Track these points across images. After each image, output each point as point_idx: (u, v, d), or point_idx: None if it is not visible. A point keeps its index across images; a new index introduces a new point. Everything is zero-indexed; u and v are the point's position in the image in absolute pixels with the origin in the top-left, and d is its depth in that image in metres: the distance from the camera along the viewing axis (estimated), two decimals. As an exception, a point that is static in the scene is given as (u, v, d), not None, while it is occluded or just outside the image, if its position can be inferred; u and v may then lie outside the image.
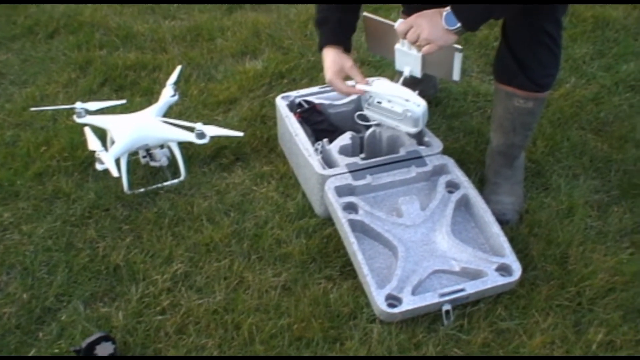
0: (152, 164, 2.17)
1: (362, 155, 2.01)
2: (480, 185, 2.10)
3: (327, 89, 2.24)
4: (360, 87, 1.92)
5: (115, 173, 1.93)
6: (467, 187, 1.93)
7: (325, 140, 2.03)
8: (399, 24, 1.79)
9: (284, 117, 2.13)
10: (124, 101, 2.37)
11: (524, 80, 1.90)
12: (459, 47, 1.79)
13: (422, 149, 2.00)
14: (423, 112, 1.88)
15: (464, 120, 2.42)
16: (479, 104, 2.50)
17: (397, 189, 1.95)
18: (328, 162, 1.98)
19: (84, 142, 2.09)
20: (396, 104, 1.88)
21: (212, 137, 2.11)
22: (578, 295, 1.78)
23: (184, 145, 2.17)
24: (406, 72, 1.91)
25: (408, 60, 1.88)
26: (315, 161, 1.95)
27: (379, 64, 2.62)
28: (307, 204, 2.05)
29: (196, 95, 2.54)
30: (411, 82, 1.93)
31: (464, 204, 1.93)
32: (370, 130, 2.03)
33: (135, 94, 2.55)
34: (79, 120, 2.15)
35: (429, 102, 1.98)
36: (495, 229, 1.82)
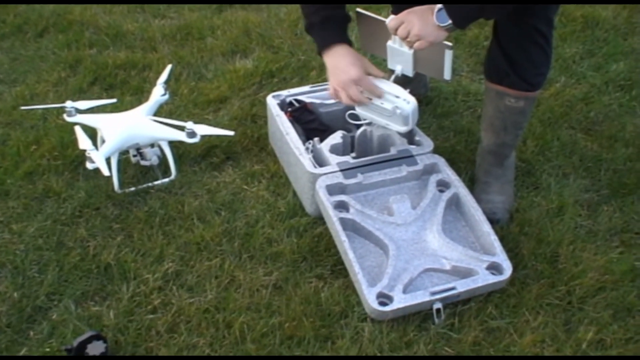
0: (143, 163, 2.16)
1: (353, 154, 2.02)
2: (471, 184, 2.11)
3: (318, 88, 2.24)
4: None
5: (105, 172, 1.92)
6: (458, 186, 1.94)
7: (316, 139, 2.03)
8: (390, 20, 1.79)
9: (274, 116, 2.13)
10: (114, 100, 2.36)
11: (515, 80, 1.90)
12: (449, 44, 1.79)
13: (412, 148, 2.01)
14: (413, 110, 1.88)
15: (454, 119, 2.43)
16: (469, 103, 2.51)
17: (388, 188, 1.96)
18: (319, 161, 1.98)
19: (74, 141, 2.08)
20: (386, 101, 1.88)
21: (202, 136, 2.11)
22: (568, 294, 1.79)
23: (174, 144, 2.16)
24: (398, 71, 1.91)
25: (400, 58, 1.88)
26: (306, 160, 1.95)
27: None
28: (298, 203, 2.05)
29: (186, 94, 2.53)
30: (402, 81, 1.93)
31: (454, 203, 1.93)
32: (361, 129, 2.03)
33: (126, 93, 2.54)
34: (69, 119, 2.14)
35: (420, 101, 1.99)
36: (486, 227, 1.83)
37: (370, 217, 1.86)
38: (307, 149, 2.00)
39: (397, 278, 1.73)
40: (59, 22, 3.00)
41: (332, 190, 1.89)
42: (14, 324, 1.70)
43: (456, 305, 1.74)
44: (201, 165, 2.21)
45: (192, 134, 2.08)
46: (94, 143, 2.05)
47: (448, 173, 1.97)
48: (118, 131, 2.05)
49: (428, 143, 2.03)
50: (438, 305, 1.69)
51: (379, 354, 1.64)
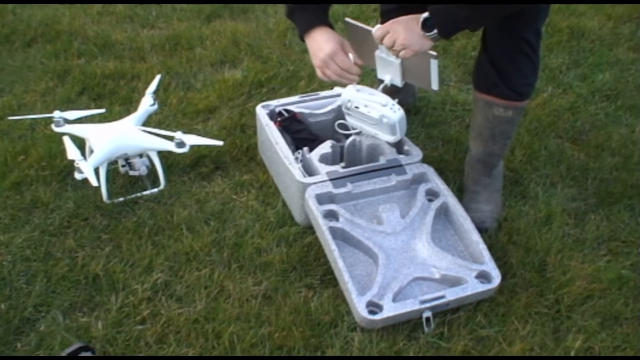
0: (132, 173, 2.16)
1: (342, 164, 2.02)
2: (460, 193, 2.12)
3: (307, 97, 2.24)
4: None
5: (94, 182, 1.91)
6: (447, 195, 1.94)
7: (305, 148, 2.04)
8: (376, 30, 1.80)
9: (264, 125, 2.13)
10: (102, 110, 2.35)
11: (503, 89, 1.92)
12: (434, 53, 1.80)
13: (401, 157, 2.01)
14: (399, 119, 1.88)
15: (442, 129, 2.44)
16: (457, 113, 2.53)
17: (377, 197, 1.96)
18: (308, 171, 1.99)
19: (62, 151, 2.08)
20: (373, 109, 1.89)
21: (191, 146, 2.11)
22: (556, 303, 1.80)
23: (163, 154, 2.16)
24: (387, 80, 1.92)
25: (388, 68, 1.89)
26: (295, 169, 1.95)
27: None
28: (288, 212, 2.06)
29: (175, 104, 2.53)
30: (390, 91, 1.94)
31: (443, 212, 1.94)
32: (350, 139, 2.04)
33: (114, 103, 2.54)
34: (57, 130, 2.13)
35: (408, 111, 2.00)
36: (475, 236, 1.84)
37: (359, 226, 1.86)
38: (296, 158, 2.00)
39: (387, 287, 1.73)
40: (47, 32, 2.99)
41: (321, 199, 1.89)
42: (1, 335, 1.69)
43: (445, 314, 1.75)
44: (190, 175, 2.20)
45: (181, 144, 2.08)
46: (83, 153, 2.04)
47: (437, 182, 1.98)
48: (106, 141, 2.05)
49: (417, 152, 2.04)
50: (428, 313, 1.70)
51: (379, 355, 1.65)
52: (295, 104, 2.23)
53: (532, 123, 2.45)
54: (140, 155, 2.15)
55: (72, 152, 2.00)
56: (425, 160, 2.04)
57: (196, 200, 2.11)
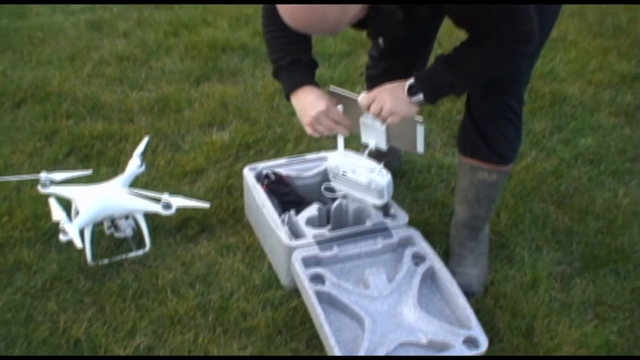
0: (117, 234, 2.15)
1: (329, 227, 2.02)
2: (446, 256, 2.12)
3: (294, 160, 2.26)
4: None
5: (79, 244, 1.90)
6: (433, 259, 1.94)
7: (292, 211, 2.04)
8: (362, 97, 1.82)
9: (251, 188, 2.14)
10: (89, 171, 2.35)
11: (488, 153, 1.94)
12: (420, 119, 1.83)
13: (388, 220, 2.02)
14: (387, 183, 1.90)
15: (428, 192, 2.46)
16: (443, 176, 2.55)
17: (363, 260, 1.96)
18: (295, 233, 1.99)
19: (48, 213, 2.07)
20: (361, 175, 1.91)
21: (178, 209, 2.10)
22: (544, 368, 1.79)
23: (149, 216, 2.16)
24: (372, 145, 1.94)
25: (373, 133, 1.91)
26: (282, 232, 1.95)
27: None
28: (274, 275, 2.04)
29: (163, 165, 2.54)
30: (376, 155, 1.96)
31: (430, 276, 1.94)
32: (337, 202, 2.05)
33: (102, 164, 2.54)
34: (43, 191, 2.13)
35: (394, 174, 2.01)
36: (462, 300, 1.83)
37: (346, 290, 1.85)
38: (283, 221, 2.00)
39: (373, 352, 1.71)
40: (36, 93, 3.01)
41: (308, 262, 1.89)
42: (-22, 401, 1.65)
43: (433, 380, 1.73)
44: (176, 237, 2.19)
45: (167, 206, 2.08)
46: (69, 214, 2.03)
47: (423, 246, 1.98)
48: (92, 203, 2.05)
49: (403, 216, 2.05)
50: (414, 380, 1.68)
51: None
52: (282, 166, 2.24)
53: (516, 187, 2.47)
54: (126, 217, 2.14)
55: (57, 213, 1.99)
56: (411, 223, 2.05)
57: (182, 262, 2.09)
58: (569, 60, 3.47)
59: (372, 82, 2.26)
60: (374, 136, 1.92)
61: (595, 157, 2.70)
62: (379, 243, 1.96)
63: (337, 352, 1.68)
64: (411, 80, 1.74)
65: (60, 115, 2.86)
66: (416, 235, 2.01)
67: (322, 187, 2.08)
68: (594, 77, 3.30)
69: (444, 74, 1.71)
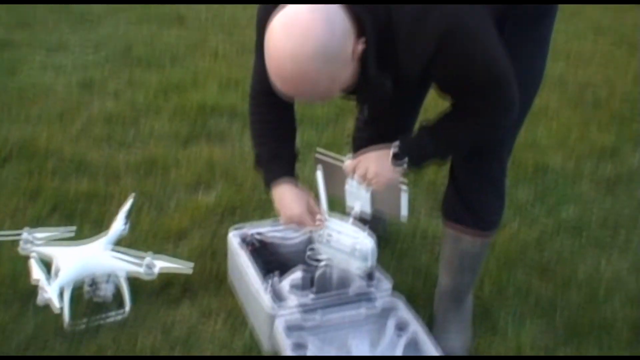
0: (96, 298, 2.11)
1: (313, 293, 2.01)
2: (430, 323, 2.10)
3: (279, 225, 2.26)
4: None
5: (57, 305, 1.88)
6: (417, 327, 1.93)
7: (275, 277, 2.03)
8: (348, 163, 1.84)
9: (235, 252, 2.13)
10: (72, 229, 2.34)
11: (471, 222, 1.96)
12: (405, 185, 1.85)
13: (371, 288, 2.01)
14: (372, 248, 1.90)
15: (413, 258, 2.46)
16: (427, 243, 2.55)
17: (347, 328, 1.94)
18: (278, 298, 1.97)
19: (27, 272, 2.04)
20: (346, 239, 1.91)
21: (160, 271, 2.09)
22: None
23: (130, 277, 2.13)
24: (357, 209, 1.95)
25: (358, 198, 1.92)
26: (265, 298, 1.93)
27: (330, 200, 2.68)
28: (255, 341, 2.02)
29: (147, 226, 2.53)
30: (361, 221, 1.96)
31: (413, 344, 1.92)
32: (321, 269, 2.04)
33: (85, 223, 2.52)
34: (25, 249, 2.11)
35: (378, 240, 2.01)
36: (444, 370, 1.81)
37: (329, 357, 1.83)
38: (266, 287, 1.99)
39: (355, 422, 1.68)
40: (23, 150, 3.01)
41: (290, 329, 1.87)
42: None
43: None
44: (157, 299, 2.17)
45: (150, 269, 2.06)
46: (49, 274, 2.01)
47: (407, 313, 1.97)
48: (73, 263, 2.03)
49: (387, 283, 2.04)
50: None
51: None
52: (267, 230, 2.24)
53: (500, 255, 2.48)
54: (107, 277, 2.12)
55: (37, 273, 1.98)
56: (395, 289, 2.05)
57: (162, 325, 2.06)
58: (551, 131, 3.53)
59: (358, 148, 2.28)
60: (359, 201, 1.93)
61: (577, 227, 2.72)
62: (363, 310, 1.95)
63: (317, 422, 1.65)
64: (396, 147, 1.76)
65: (45, 173, 2.85)
66: (400, 302, 2.00)
67: (306, 254, 2.07)
68: (575, 148, 3.36)
69: (428, 143, 1.74)
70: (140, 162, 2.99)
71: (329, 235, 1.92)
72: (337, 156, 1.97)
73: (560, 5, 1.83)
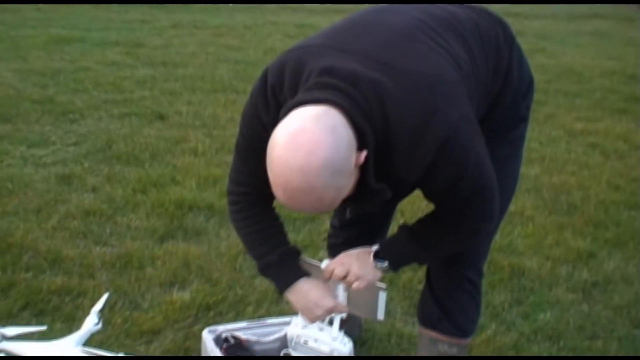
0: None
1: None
2: None
3: (254, 324, 2.24)
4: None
5: (24, 405, 1.81)
6: None
7: (250, 378, 2.00)
8: (328, 264, 1.85)
9: (209, 351, 2.10)
10: (44, 327, 2.29)
11: (447, 326, 1.96)
12: (383, 286, 1.85)
13: (347, 391, 1.98)
14: (349, 351, 1.89)
15: (388, 362, 2.43)
16: (403, 346, 2.53)
17: None
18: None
19: (-6, 370, 1.99)
20: (322, 344, 1.89)
21: (132, 370, 2.04)
22: None
23: (101, 377, 2.08)
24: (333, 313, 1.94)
25: (335, 298, 1.91)
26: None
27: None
28: None
29: (120, 323, 2.49)
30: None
31: None
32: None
33: (57, 320, 2.48)
34: (-7, 346, 2.06)
35: (354, 343, 2.00)
36: None
37: None
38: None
39: None
40: (-2, 243, 2.99)
41: None
42: None
43: None
44: (126, 401, 2.11)
45: (121, 368, 2.02)
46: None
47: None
48: (43, 361, 1.98)
49: (362, 387, 2.01)
50: None
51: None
52: (242, 330, 2.22)
53: (477, 361, 2.46)
54: (76, 378, 2.06)
55: (4, 371, 1.92)
56: (370, 395, 2.01)
57: None
58: (527, 234, 3.57)
59: (334, 250, 2.30)
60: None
61: (554, 333, 2.71)
62: (337, 415, 1.91)
63: None
64: (376, 247, 1.78)
65: (19, 267, 2.82)
66: (375, 408, 1.96)
67: (281, 353, 2.05)
68: (551, 252, 3.39)
69: (408, 244, 1.76)
70: (116, 258, 2.97)
71: (305, 341, 1.90)
72: (314, 261, 1.97)
73: (533, 110, 1.90)
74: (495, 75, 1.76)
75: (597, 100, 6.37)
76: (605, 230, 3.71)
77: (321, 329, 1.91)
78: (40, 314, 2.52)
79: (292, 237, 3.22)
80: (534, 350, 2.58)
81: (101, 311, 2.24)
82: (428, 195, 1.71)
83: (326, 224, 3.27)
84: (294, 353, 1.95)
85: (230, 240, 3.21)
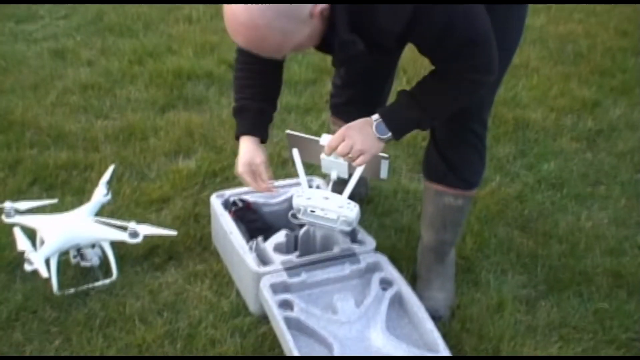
0: (83, 263, 2.12)
1: (297, 253, 2.03)
2: (413, 281, 2.13)
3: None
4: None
5: (44, 274, 1.88)
6: (400, 284, 1.96)
7: (259, 238, 2.04)
8: (329, 139, 1.81)
9: (218, 215, 2.14)
10: (54, 200, 2.33)
11: (452, 179, 1.97)
12: (386, 155, 1.84)
13: (355, 246, 2.03)
14: (356, 215, 1.89)
15: (395, 218, 2.48)
16: (409, 202, 2.57)
17: (331, 286, 1.96)
18: (263, 260, 1.99)
19: (12, 243, 2.04)
20: (330, 211, 1.88)
21: (145, 236, 2.09)
22: (512, 390, 1.80)
23: (116, 245, 2.14)
24: (333, 175, 1.93)
25: (334, 166, 1.91)
26: (250, 259, 1.95)
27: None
28: (242, 302, 2.04)
29: (129, 194, 2.52)
30: (341, 182, 1.95)
31: (397, 301, 1.95)
32: (304, 228, 2.05)
33: (67, 193, 2.51)
34: (7, 220, 2.10)
35: (361, 201, 2.03)
36: (429, 325, 1.84)
37: (314, 316, 1.85)
38: (250, 248, 2.00)
39: (343, 378, 1.71)
40: (-1, 121, 2.98)
41: (276, 289, 1.89)
42: None
43: (402, 404, 1.73)
44: (143, 266, 2.18)
45: (134, 234, 2.07)
46: (34, 244, 2.01)
47: (390, 271, 1.99)
48: (58, 232, 2.02)
49: (370, 242, 2.06)
50: (384, 405, 1.68)
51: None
52: (249, 193, 2.24)
53: (481, 211, 2.51)
54: (93, 246, 2.12)
55: (22, 243, 1.97)
56: (378, 248, 2.07)
57: (149, 290, 2.07)
58: (531, 86, 3.55)
59: (337, 110, 2.29)
60: (335, 168, 1.91)
61: (558, 181, 2.75)
62: (347, 269, 1.97)
63: (306, 379, 1.68)
64: (377, 117, 1.75)
65: (23, 144, 2.82)
66: (383, 260, 2.02)
67: (289, 215, 2.08)
68: (556, 103, 3.38)
69: (409, 108, 1.72)
70: (119, 130, 2.97)
71: (312, 210, 1.90)
72: (310, 136, 1.95)
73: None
74: None
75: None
76: (612, 78, 3.67)
77: (326, 198, 1.90)
78: (50, 189, 2.55)
79: (293, 100, 3.24)
80: (538, 199, 2.62)
81: (109, 183, 2.28)
82: (423, 52, 1.67)
83: (327, 87, 3.23)
84: (301, 218, 1.95)
85: (231, 107, 3.18)
